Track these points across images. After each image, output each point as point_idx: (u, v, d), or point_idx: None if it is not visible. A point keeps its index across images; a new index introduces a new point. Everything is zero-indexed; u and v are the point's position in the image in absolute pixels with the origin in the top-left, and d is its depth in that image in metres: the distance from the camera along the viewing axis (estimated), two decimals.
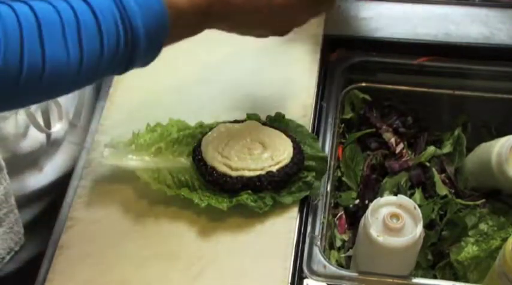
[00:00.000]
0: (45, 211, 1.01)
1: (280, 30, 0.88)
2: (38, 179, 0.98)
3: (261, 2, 0.80)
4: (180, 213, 0.88)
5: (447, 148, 1.10)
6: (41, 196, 1.00)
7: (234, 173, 0.86)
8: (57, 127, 0.98)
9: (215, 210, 0.86)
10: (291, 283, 0.83)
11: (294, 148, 0.88)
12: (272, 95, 1.01)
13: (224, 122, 0.92)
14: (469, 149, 1.08)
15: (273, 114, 0.95)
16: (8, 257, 0.92)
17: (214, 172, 0.86)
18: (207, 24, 0.79)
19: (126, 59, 0.71)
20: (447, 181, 1.06)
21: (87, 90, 1.09)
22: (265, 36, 0.88)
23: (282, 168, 0.87)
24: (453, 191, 1.05)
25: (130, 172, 0.88)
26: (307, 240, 0.88)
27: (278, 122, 0.94)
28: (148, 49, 0.72)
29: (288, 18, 0.84)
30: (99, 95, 1.05)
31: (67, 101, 1.00)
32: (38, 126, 0.94)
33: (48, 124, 0.97)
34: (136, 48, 0.71)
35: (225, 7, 0.78)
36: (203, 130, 0.92)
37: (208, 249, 0.86)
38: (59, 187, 1.00)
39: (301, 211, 0.89)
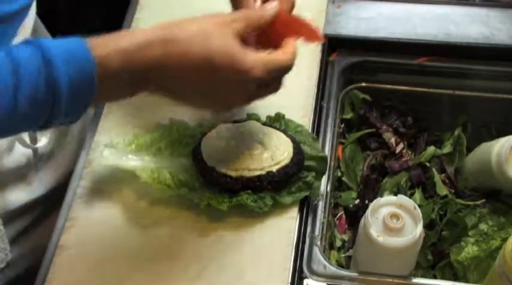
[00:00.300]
0: (31, 226, 1.00)
1: (221, 106, 0.80)
2: (24, 194, 0.97)
3: (203, 73, 0.73)
4: (180, 213, 0.88)
5: (447, 148, 1.10)
6: (27, 211, 0.98)
7: (233, 174, 0.86)
8: (43, 142, 0.97)
9: (215, 210, 0.86)
10: (291, 283, 0.83)
11: (294, 148, 0.88)
12: (272, 95, 1.00)
13: (224, 122, 0.92)
14: (469, 149, 1.08)
15: (273, 114, 0.95)
16: None
17: (214, 172, 0.86)
18: (145, 89, 0.74)
19: (45, 115, 0.68)
20: (447, 181, 1.06)
21: None
22: (207, 109, 0.83)
23: (282, 168, 0.87)
24: (453, 191, 1.05)
25: (130, 172, 0.88)
26: (307, 240, 0.88)
27: (278, 122, 0.94)
28: (71, 106, 0.68)
29: (229, 95, 0.77)
30: None
31: None
32: (22, 142, 0.93)
33: (34, 138, 0.96)
34: (58, 104, 0.67)
35: (164, 75, 0.72)
36: (203, 130, 0.92)
37: (208, 249, 0.86)
38: (47, 201, 0.99)
39: (301, 211, 0.89)
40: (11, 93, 0.64)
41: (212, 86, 0.75)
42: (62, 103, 0.67)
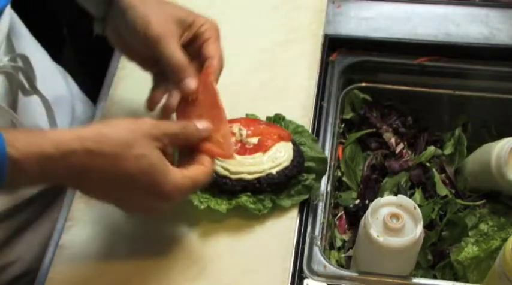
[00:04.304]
0: (21, 228, 0.99)
1: (136, 211, 0.81)
2: (9, 197, 0.94)
3: (122, 188, 0.73)
4: (180, 213, 0.88)
5: (449, 149, 1.10)
6: (15, 213, 0.97)
7: (233, 176, 0.86)
8: None
9: (215, 210, 0.86)
10: (291, 283, 0.83)
11: (294, 151, 0.88)
12: (272, 95, 1.00)
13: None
14: (469, 150, 1.08)
15: (272, 114, 0.95)
16: None
17: (214, 174, 0.86)
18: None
19: None
20: (447, 181, 1.06)
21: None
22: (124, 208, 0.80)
23: (282, 170, 0.87)
24: (453, 191, 1.05)
25: None
26: (307, 240, 0.88)
27: (278, 123, 0.94)
28: None
29: (142, 203, 0.77)
30: (98, 95, 1.05)
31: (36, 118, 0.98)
32: None
33: None
34: None
35: (82, 182, 0.71)
36: None
37: (208, 249, 0.86)
38: (36, 202, 0.98)
39: (301, 211, 0.89)
40: None
41: (128, 196, 0.75)
42: None
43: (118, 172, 0.71)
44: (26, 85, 0.94)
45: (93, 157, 0.70)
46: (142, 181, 0.73)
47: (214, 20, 0.88)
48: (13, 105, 0.93)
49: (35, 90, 0.95)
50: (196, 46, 0.87)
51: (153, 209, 0.78)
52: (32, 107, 0.96)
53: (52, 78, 1.07)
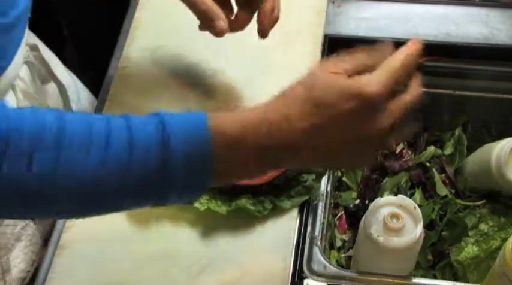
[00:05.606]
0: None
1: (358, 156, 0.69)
2: None
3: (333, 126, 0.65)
4: (180, 214, 0.88)
5: (449, 149, 1.10)
6: None
7: None
8: None
9: (215, 211, 0.86)
10: (291, 283, 0.83)
11: None
12: (272, 96, 1.00)
13: None
14: (469, 150, 1.08)
15: None
16: (32, 270, 0.91)
17: None
18: (269, 156, 0.65)
19: (159, 184, 0.63)
20: (447, 181, 1.06)
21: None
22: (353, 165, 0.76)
23: (282, 172, 0.86)
24: (453, 191, 1.05)
25: None
26: (307, 240, 0.88)
27: None
28: (188, 177, 0.62)
29: (360, 136, 0.66)
30: (99, 95, 1.05)
31: None
32: None
33: None
34: (173, 170, 0.62)
35: (287, 128, 0.67)
36: None
37: (208, 249, 0.86)
38: None
39: (301, 212, 0.89)
40: (124, 164, 0.61)
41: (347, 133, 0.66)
42: (178, 176, 0.62)
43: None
44: (45, 73, 0.96)
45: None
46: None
47: None
48: (36, 93, 0.95)
49: (53, 77, 0.96)
50: None
51: (368, 139, 0.67)
52: (49, 95, 0.98)
53: (57, 67, 1.08)
